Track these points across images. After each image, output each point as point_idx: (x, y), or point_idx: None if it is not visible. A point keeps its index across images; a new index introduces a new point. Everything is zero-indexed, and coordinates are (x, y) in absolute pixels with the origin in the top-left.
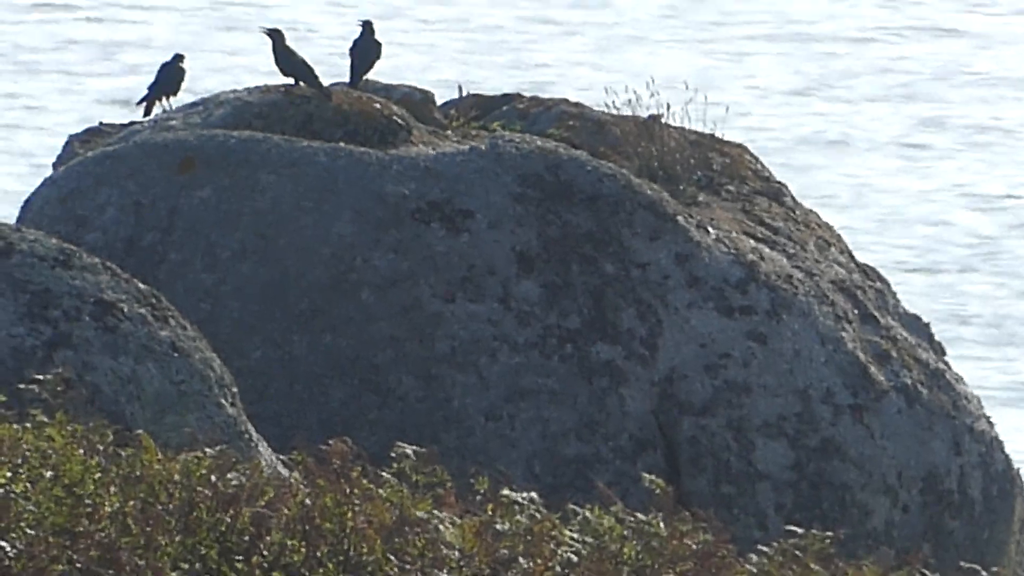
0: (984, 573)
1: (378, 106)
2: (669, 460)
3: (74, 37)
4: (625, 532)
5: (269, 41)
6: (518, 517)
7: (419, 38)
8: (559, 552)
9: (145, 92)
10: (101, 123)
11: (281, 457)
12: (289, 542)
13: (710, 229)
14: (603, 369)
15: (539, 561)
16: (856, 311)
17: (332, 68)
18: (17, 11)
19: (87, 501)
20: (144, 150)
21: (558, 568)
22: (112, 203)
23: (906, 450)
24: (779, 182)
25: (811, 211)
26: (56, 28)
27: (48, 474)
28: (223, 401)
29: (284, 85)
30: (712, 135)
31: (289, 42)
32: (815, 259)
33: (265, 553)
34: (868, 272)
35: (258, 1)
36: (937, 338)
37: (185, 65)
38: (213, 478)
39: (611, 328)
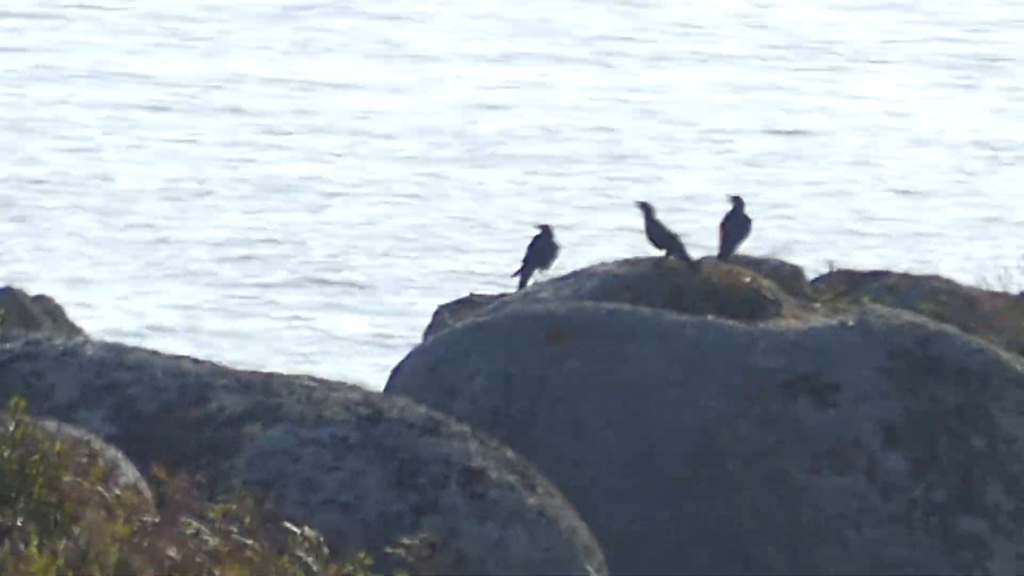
0: None
1: (747, 280)
2: None
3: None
4: None
5: (641, 213)
6: None
7: (790, 211)
8: None
9: (519, 265)
10: (472, 294)
11: None
12: None
13: None
14: (969, 543)
15: None
16: None
17: (701, 241)
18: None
19: None
20: (513, 321)
21: None
22: (481, 372)
23: None
24: None
25: None
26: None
27: None
28: (589, 568)
29: (654, 258)
30: None
31: (659, 215)
32: None
33: None
34: None
35: (624, 175)
36: None
37: (557, 239)
38: None
39: (977, 502)
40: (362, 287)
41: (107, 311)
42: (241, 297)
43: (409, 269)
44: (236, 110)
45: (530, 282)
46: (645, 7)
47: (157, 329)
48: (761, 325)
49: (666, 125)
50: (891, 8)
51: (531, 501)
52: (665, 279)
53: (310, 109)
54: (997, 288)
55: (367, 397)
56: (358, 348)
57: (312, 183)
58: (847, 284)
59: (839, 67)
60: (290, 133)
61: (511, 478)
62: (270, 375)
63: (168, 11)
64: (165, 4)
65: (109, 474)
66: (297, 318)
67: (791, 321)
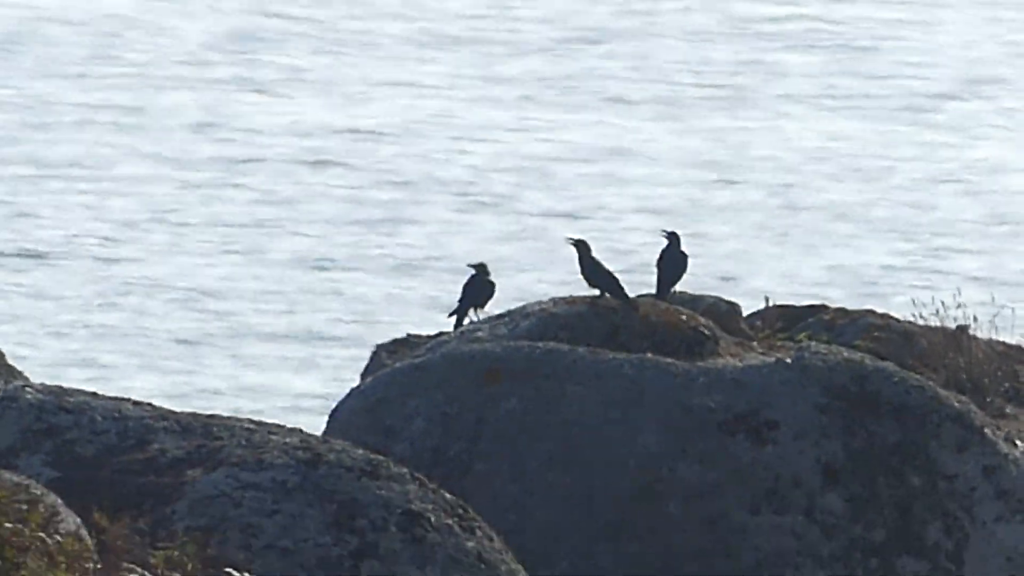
0: None
1: (684, 317)
2: None
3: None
4: None
5: (575, 251)
6: None
7: (723, 246)
8: None
9: (456, 304)
10: (409, 334)
11: None
12: None
13: (1018, 442)
14: None
15: None
16: None
17: (639, 279)
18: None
19: None
20: (451, 361)
21: None
22: (419, 414)
23: None
24: None
25: None
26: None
27: None
28: None
29: (590, 296)
30: (1019, 347)
31: (595, 252)
32: None
33: None
34: None
35: (563, 211)
36: None
37: (493, 278)
38: None
39: (917, 541)
40: None
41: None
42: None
43: None
44: None
45: (466, 321)
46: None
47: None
48: (699, 363)
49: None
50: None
51: (470, 545)
52: (602, 318)
53: None
54: (934, 323)
55: (306, 440)
56: None
57: None
58: (784, 320)
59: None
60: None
61: (450, 521)
62: (211, 417)
63: None
64: None
65: (49, 520)
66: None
67: (729, 359)
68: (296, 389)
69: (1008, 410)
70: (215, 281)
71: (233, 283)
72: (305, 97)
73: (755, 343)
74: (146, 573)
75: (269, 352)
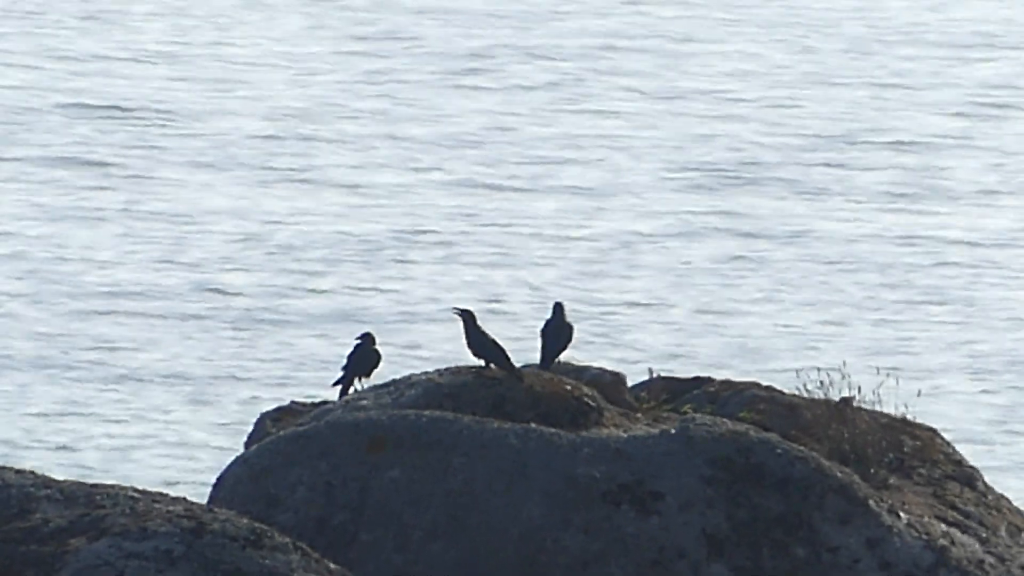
0: None
1: (569, 388)
2: None
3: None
4: None
5: (460, 322)
6: None
7: (613, 320)
8: None
9: (340, 374)
10: (293, 401)
11: None
12: None
13: (901, 513)
14: None
15: None
16: None
17: (524, 349)
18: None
19: None
20: (335, 430)
21: None
22: (303, 483)
23: None
24: (971, 466)
25: (1003, 496)
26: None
27: None
28: None
29: (475, 366)
30: (903, 418)
31: (480, 323)
32: (1006, 544)
33: None
34: None
35: (436, 289)
36: None
37: (378, 347)
38: None
39: None
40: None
41: None
42: None
43: None
44: None
45: (351, 390)
46: None
47: None
48: (584, 434)
49: None
50: None
51: None
52: (487, 387)
53: None
54: (818, 395)
55: (190, 509)
56: None
57: None
58: (669, 391)
59: None
60: None
61: None
62: (94, 486)
63: None
64: None
65: None
66: None
67: (613, 430)
68: None
69: (892, 481)
70: None
71: None
72: None
73: (639, 414)
74: None
75: None
